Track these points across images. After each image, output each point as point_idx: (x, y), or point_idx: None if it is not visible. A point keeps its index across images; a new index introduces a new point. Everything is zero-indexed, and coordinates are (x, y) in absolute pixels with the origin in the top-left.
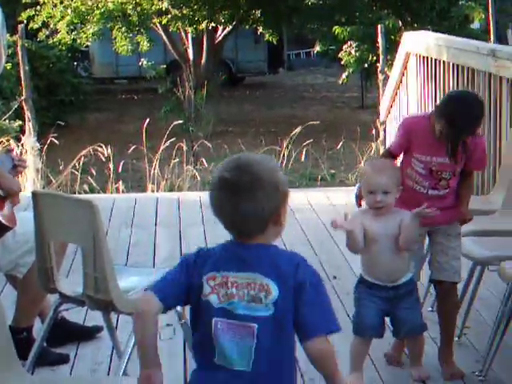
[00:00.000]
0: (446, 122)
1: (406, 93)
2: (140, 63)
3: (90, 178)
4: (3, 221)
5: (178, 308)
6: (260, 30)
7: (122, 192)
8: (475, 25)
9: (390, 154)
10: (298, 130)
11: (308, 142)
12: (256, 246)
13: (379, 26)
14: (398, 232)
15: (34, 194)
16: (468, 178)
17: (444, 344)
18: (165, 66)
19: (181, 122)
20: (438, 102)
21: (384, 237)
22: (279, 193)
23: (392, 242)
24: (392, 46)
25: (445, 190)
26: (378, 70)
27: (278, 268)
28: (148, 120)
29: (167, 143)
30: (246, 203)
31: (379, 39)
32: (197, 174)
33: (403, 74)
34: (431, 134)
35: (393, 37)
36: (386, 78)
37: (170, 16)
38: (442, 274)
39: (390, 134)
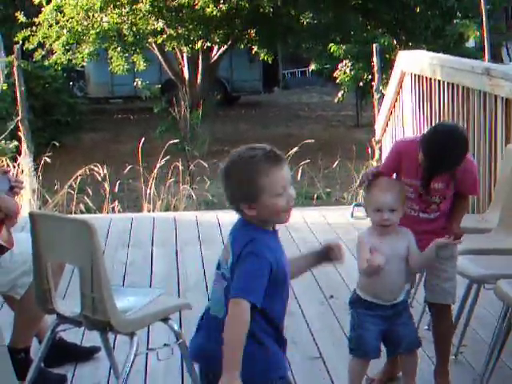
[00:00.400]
0: (423, 154)
1: (402, 111)
2: (133, 82)
3: (86, 197)
4: (0, 242)
5: (175, 327)
6: (255, 49)
7: (119, 212)
8: (470, 43)
9: (379, 175)
10: (294, 150)
11: (304, 162)
12: (240, 220)
13: (374, 45)
14: (407, 253)
15: (31, 215)
16: (462, 201)
17: (439, 364)
18: (160, 86)
19: (176, 141)
20: (432, 121)
21: (392, 257)
22: (248, 182)
23: (400, 263)
24: (387, 65)
25: (436, 213)
26: (374, 88)
27: (238, 240)
28: (144, 139)
29: (163, 162)
30: (224, 188)
31: (374, 58)
32: (193, 193)
33: (398, 93)
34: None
35: (388, 55)
36: (382, 97)
37: (165, 36)
38: (435, 296)
39: (386, 152)
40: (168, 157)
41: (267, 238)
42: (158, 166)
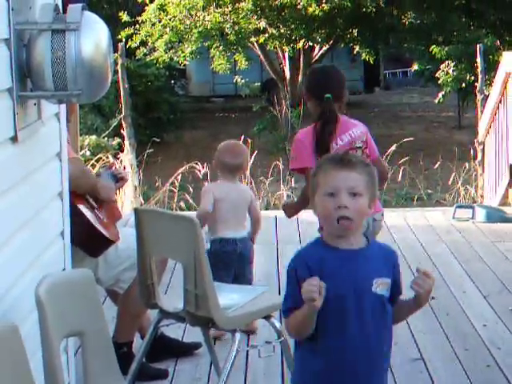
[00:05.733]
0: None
1: (506, 112)
2: (234, 80)
3: (186, 195)
4: (107, 235)
5: (277, 325)
6: (356, 49)
7: None
8: None
9: None
10: (393, 148)
11: (404, 160)
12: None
13: (478, 46)
14: None
15: (136, 211)
16: None
17: None
18: (260, 84)
19: (275, 139)
20: None
21: None
22: (312, 175)
23: None
24: (490, 66)
25: None
26: (477, 89)
27: None
28: (243, 138)
29: (263, 161)
30: None
31: (478, 58)
32: (293, 192)
33: (502, 94)
34: None
35: (491, 56)
36: (485, 98)
37: (267, 35)
38: None
39: (488, 154)
40: (269, 155)
41: (322, 254)
42: (256, 164)
